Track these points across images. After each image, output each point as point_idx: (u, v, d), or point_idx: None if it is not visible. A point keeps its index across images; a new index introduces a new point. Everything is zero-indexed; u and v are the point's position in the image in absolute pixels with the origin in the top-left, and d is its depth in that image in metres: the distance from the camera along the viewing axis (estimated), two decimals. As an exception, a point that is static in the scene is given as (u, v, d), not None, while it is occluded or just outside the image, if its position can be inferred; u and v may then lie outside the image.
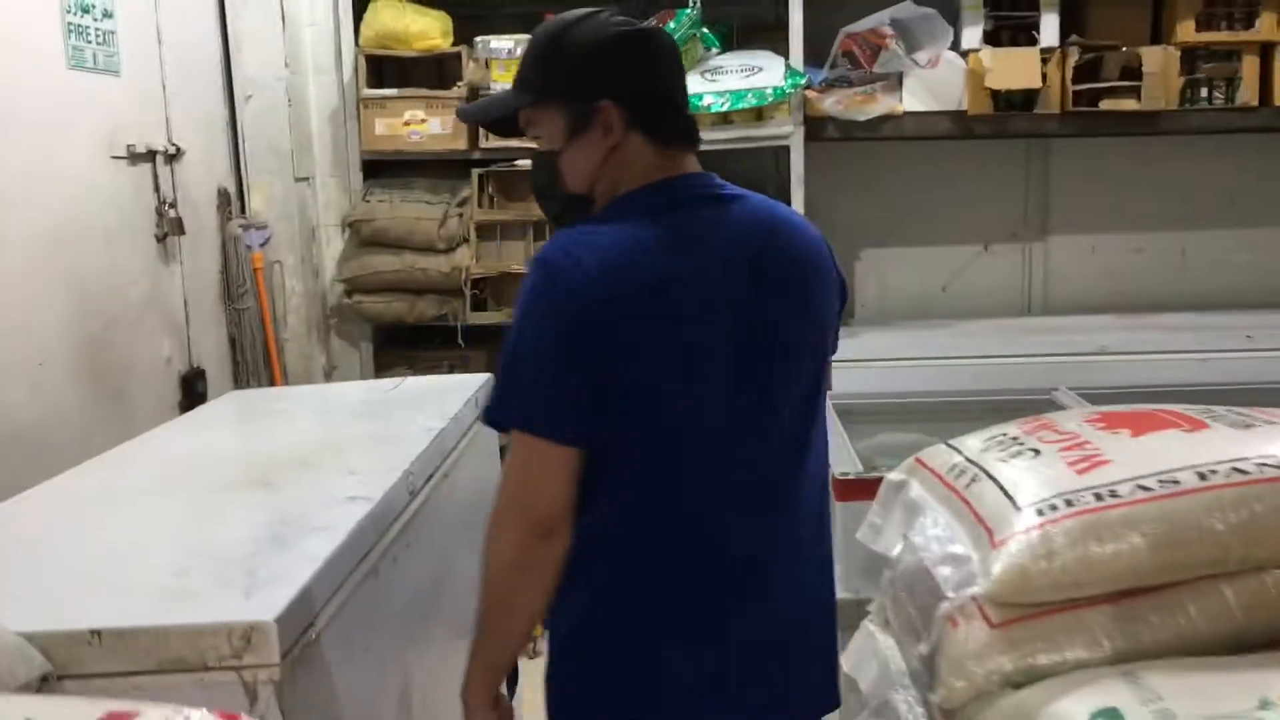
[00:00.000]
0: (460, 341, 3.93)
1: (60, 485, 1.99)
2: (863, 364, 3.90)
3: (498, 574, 1.49)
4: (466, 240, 3.90)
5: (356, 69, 3.89)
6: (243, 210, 3.73)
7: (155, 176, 3.19)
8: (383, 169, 4.01)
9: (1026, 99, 3.87)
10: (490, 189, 3.92)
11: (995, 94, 3.82)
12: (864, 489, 2.44)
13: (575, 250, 1.44)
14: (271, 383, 3.70)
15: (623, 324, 1.43)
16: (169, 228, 3.22)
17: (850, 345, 3.97)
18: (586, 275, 1.42)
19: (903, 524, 1.85)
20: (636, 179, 1.53)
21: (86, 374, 2.81)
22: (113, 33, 2.99)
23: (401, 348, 4.16)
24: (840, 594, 2.54)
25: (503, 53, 3.73)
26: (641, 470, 1.49)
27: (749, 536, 1.57)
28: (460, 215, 3.89)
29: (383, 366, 4.12)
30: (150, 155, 3.17)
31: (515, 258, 3.91)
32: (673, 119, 1.58)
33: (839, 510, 2.45)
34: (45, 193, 2.69)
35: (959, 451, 1.79)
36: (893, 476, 1.93)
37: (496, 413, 1.47)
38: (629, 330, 1.44)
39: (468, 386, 2.71)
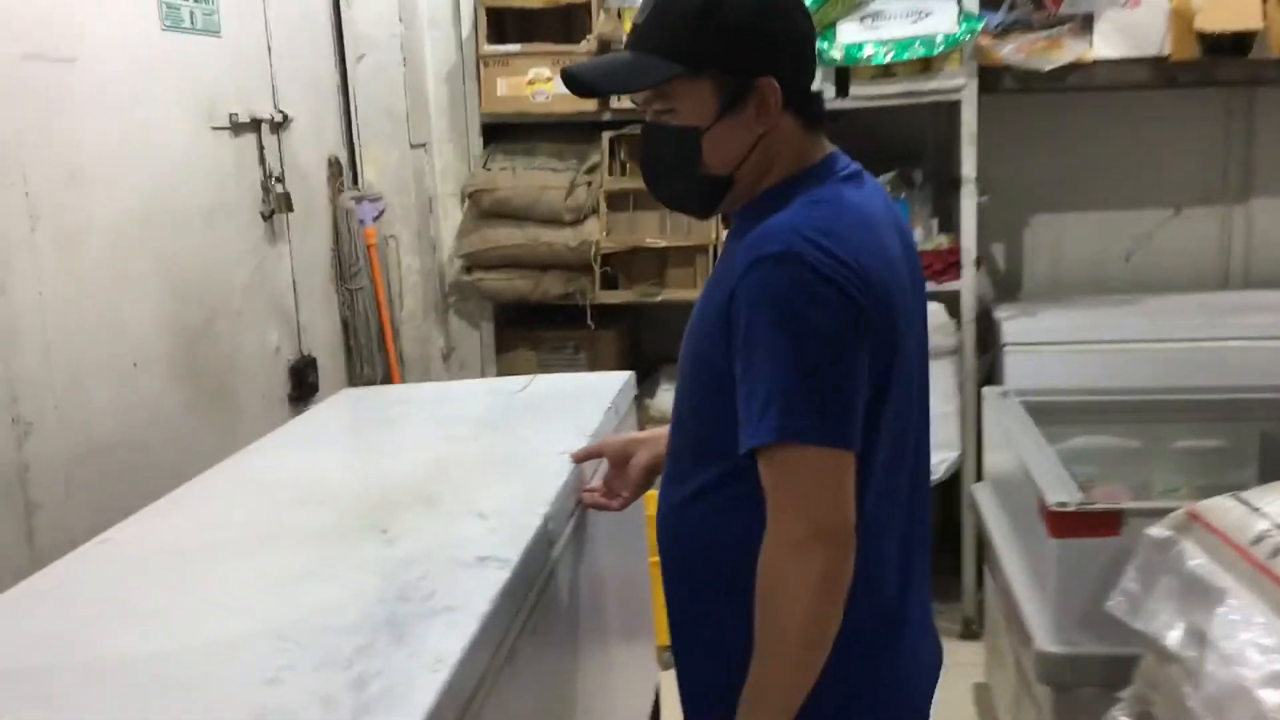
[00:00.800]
0: (589, 322, 3.59)
1: (138, 530, 1.70)
2: (1039, 348, 3.47)
3: (812, 606, 1.34)
4: (596, 211, 3.54)
5: (476, 23, 3.54)
6: (355, 181, 3.42)
7: (260, 147, 2.90)
8: (504, 133, 3.67)
9: (1238, 42, 3.34)
10: (622, 154, 3.55)
11: (1202, 37, 3.31)
12: (1087, 524, 2.03)
13: (819, 239, 1.33)
14: (387, 368, 3.42)
15: (880, 317, 1.36)
16: (276, 204, 2.93)
17: (1022, 325, 3.55)
18: (847, 267, 1.33)
19: (1180, 602, 1.44)
20: (788, 163, 1.45)
21: (186, 372, 2.53)
22: (211, -12, 2.69)
23: (524, 328, 3.84)
24: (1051, 646, 2.16)
25: (638, 1, 3.33)
26: (884, 466, 1.43)
27: (924, 513, 1.54)
28: (589, 184, 3.53)
29: (504, 348, 3.81)
30: (255, 124, 2.87)
31: (649, 230, 3.54)
32: (818, 99, 1.49)
33: (1054, 547, 2.04)
34: (137, 170, 2.40)
35: (1259, 512, 1.38)
36: (1157, 532, 1.52)
37: (790, 430, 1.31)
38: (883, 323, 1.37)
39: (605, 390, 2.36)
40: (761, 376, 1.32)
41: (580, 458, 1.86)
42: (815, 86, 3.50)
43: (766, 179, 1.45)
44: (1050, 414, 2.83)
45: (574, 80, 1.48)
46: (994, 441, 2.90)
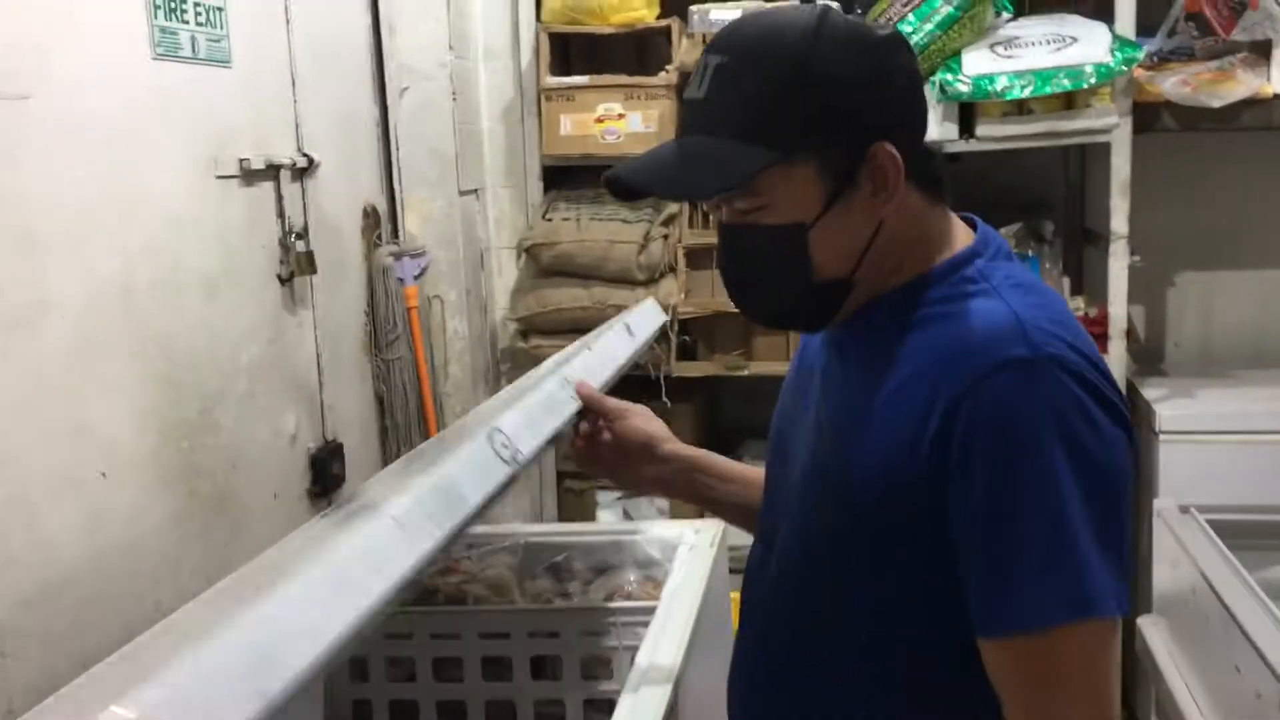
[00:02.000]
0: (664, 397, 3.09)
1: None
2: (1201, 439, 2.89)
3: None
4: (673, 269, 3.05)
5: (538, 51, 3.08)
6: (395, 234, 2.96)
7: (279, 198, 2.43)
8: (568, 178, 3.20)
9: None
10: (703, 204, 3.05)
11: (1407, 68, 2.75)
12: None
13: (1067, 337, 1.04)
14: (428, 452, 2.93)
15: None
16: (296, 265, 2.46)
17: (1179, 409, 2.96)
18: (1103, 375, 1.06)
19: None
20: (925, 246, 1.13)
21: (174, 477, 2.06)
22: (220, 9, 2.23)
23: (588, 400, 3.34)
24: None
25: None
26: None
27: None
28: (665, 238, 3.05)
29: (565, 423, 3.32)
30: (272, 171, 2.41)
31: (735, 291, 3.03)
32: (936, 158, 1.16)
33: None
34: (114, 231, 1.95)
35: None
36: None
37: (1090, 603, 0.99)
38: None
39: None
40: (1032, 530, 1.00)
41: (588, 393, 1.46)
42: (931, 129, 2.91)
43: (897, 272, 1.13)
44: (1241, 534, 2.27)
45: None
46: (1168, 565, 2.34)
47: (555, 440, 1.43)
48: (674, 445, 1.47)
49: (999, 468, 1.01)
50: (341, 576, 0.97)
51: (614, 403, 1.48)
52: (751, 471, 1.47)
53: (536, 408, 1.39)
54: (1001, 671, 1.04)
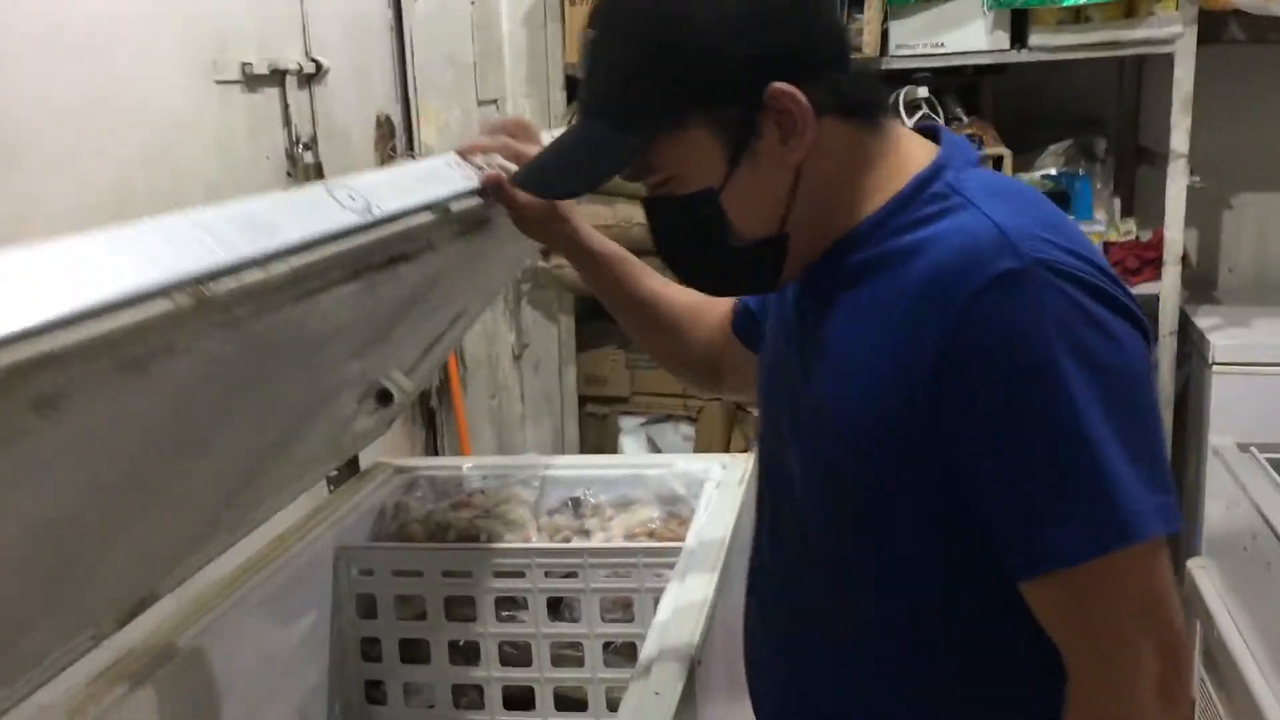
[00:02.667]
0: (689, 320, 2.96)
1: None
2: (1258, 370, 2.76)
3: None
4: (702, 186, 2.90)
5: (561, -50, 2.90)
6: (410, 145, 2.82)
7: (285, 106, 2.30)
8: (592, 87, 3.04)
9: None
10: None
11: None
12: None
13: (1060, 241, 0.93)
14: (445, 376, 2.83)
15: None
16: (304, 176, 2.33)
17: (1234, 338, 2.80)
18: (1109, 277, 0.95)
19: None
20: (873, 181, 1.01)
21: (174, 402, 1.96)
22: (218, -100, 2.08)
23: (610, 321, 3.18)
24: None
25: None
26: None
27: None
28: (694, 152, 2.89)
29: (586, 345, 3.23)
30: (277, 76, 2.27)
31: (767, 210, 2.89)
32: (861, 75, 1.04)
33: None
34: (111, 138, 1.82)
35: None
36: None
37: (1137, 526, 0.90)
38: None
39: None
40: (1053, 458, 0.91)
41: (468, 149, 1.30)
42: (980, 39, 2.64)
43: (843, 213, 1.02)
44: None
45: (536, 191, 1.13)
46: (1223, 506, 2.22)
47: (443, 211, 1.24)
48: (576, 235, 1.35)
49: (1005, 399, 0.91)
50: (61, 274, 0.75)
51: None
52: (664, 297, 1.39)
53: (409, 176, 1.23)
54: (1047, 613, 0.96)
